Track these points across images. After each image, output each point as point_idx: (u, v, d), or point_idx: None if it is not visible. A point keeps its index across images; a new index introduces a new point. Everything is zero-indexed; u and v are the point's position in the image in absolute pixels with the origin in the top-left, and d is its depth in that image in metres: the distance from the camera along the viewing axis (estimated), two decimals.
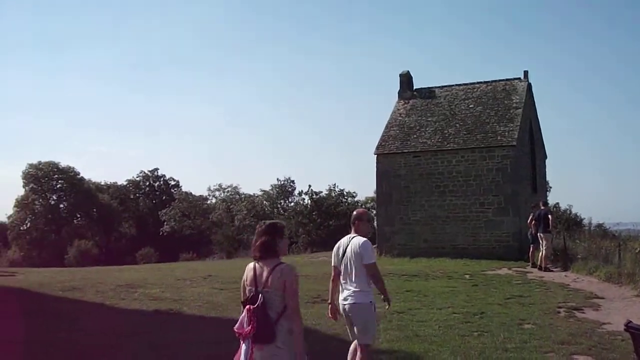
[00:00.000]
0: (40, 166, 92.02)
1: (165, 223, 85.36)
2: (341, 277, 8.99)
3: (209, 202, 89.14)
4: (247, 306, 6.23)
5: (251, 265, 6.51)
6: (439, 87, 39.65)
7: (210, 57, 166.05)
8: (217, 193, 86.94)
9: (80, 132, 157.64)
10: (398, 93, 39.54)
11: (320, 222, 68.70)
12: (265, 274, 6.30)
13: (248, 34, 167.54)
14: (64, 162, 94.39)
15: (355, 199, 73.95)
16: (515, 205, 32.61)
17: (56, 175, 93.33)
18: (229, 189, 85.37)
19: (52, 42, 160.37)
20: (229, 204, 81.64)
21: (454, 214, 33.72)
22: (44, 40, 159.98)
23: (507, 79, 37.69)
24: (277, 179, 79.62)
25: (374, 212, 40.42)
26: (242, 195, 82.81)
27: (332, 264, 9.26)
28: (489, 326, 13.90)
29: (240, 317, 6.28)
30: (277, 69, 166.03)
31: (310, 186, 73.43)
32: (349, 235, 9.15)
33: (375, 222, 35.37)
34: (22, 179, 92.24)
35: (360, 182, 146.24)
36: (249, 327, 6.12)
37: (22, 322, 14.43)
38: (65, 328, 13.96)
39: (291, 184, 78.86)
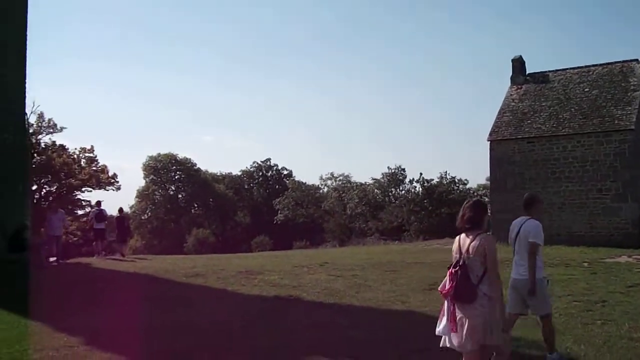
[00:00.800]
0: (160, 158, 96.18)
1: (279, 212, 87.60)
2: (515, 255, 10.12)
3: (321, 191, 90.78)
4: (450, 269, 7.56)
5: (458, 237, 7.75)
6: (552, 71, 39.17)
7: (321, 49, 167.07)
8: (329, 182, 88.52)
9: (194, 124, 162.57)
10: (511, 78, 39.36)
11: (431, 210, 68.87)
12: (468, 242, 7.52)
13: (349, 27, 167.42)
14: (181, 154, 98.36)
15: (467, 187, 73.73)
16: (634, 191, 32.02)
17: (174, 167, 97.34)
18: (341, 177, 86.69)
19: (165, 37, 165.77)
20: (341, 192, 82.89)
21: (570, 200, 33.43)
22: (160, 36, 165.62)
23: (623, 61, 36.77)
24: (388, 167, 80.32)
25: (486, 199, 40.47)
26: (354, 184, 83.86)
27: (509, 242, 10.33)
28: (611, 315, 13.72)
29: (445, 279, 7.68)
30: (383, 60, 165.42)
31: (421, 174, 73.81)
32: (521, 217, 10.30)
33: (490, 210, 35.46)
34: (143, 170, 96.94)
35: (472, 169, 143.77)
36: (449, 287, 7.50)
37: (150, 306, 15.86)
38: (192, 313, 15.13)
39: (402, 172, 79.37)
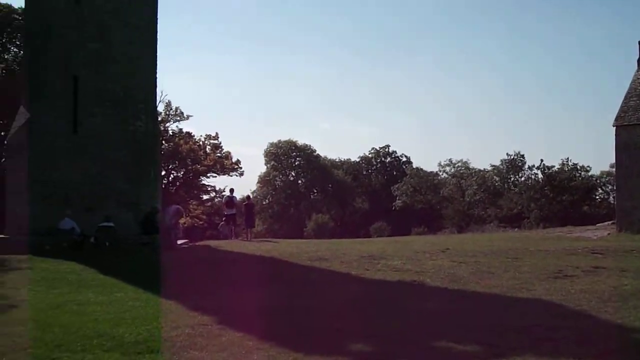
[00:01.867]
0: (280, 145, 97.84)
1: (397, 198, 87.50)
2: None
3: (439, 177, 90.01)
4: None
5: None
6: None
7: (432, 41, 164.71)
8: (447, 168, 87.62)
9: (314, 111, 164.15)
10: (638, 61, 37.65)
11: (552, 197, 66.99)
12: None
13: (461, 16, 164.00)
14: (301, 141, 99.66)
15: (590, 173, 71.21)
16: None
17: (294, 153, 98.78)
18: (459, 164, 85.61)
19: (286, 26, 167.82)
20: (459, 179, 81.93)
21: None
22: (281, 24, 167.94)
23: None
24: (507, 154, 78.70)
25: (610, 187, 38.98)
26: (472, 170, 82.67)
27: None
28: None
29: None
30: (497, 44, 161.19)
31: (542, 160, 71.86)
32: None
33: (614, 197, 34.20)
34: (264, 157, 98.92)
35: (595, 155, 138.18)
36: None
37: (277, 288, 16.29)
38: (318, 295, 15.41)
39: (521, 158, 77.60)
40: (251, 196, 45.26)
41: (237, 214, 35.09)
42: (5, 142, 29.21)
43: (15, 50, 49.60)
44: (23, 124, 25.62)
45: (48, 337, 11.11)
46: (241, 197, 35.36)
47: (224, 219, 36.01)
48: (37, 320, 12.45)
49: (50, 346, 10.58)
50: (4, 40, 49.59)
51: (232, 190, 35.03)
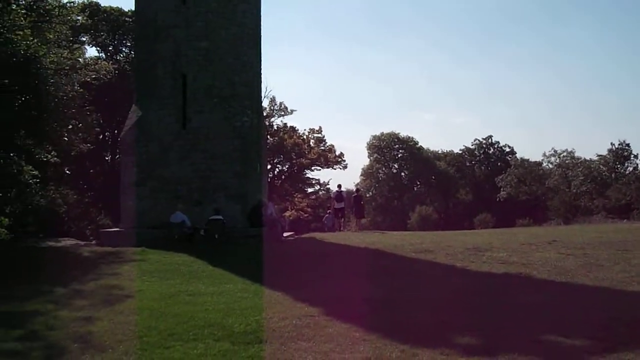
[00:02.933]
0: (383, 137, 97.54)
1: (502, 189, 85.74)
2: None
3: (544, 167, 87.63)
4: None
5: None
6: None
7: (531, 31, 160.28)
8: (552, 159, 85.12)
9: (415, 103, 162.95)
10: None
11: None
12: None
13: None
14: (403, 133, 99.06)
15: None
16: None
17: (397, 145, 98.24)
18: (564, 154, 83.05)
19: (383, 19, 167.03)
20: (565, 169, 79.52)
21: None
22: (378, 17, 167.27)
23: None
24: (611, 144, 76.11)
25: None
26: (578, 161, 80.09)
27: None
28: None
29: None
30: (603, 32, 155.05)
31: None
32: None
33: None
34: (367, 149, 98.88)
35: None
36: None
37: (383, 280, 16.22)
38: (423, 287, 15.32)
39: (626, 147, 74.94)
40: (345, 187, 46.03)
41: (346, 208, 36.05)
42: (119, 139, 30.26)
43: (126, 51, 51.38)
44: (135, 122, 26.49)
45: (161, 325, 11.45)
46: (345, 189, 36.27)
47: (328, 211, 37.07)
48: (151, 309, 12.86)
49: (164, 335, 10.91)
50: (115, 42, 51.45)
51: (340, 186, 36.17)
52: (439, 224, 78.62)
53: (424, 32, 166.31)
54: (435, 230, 48.62)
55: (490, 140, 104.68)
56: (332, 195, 37.89)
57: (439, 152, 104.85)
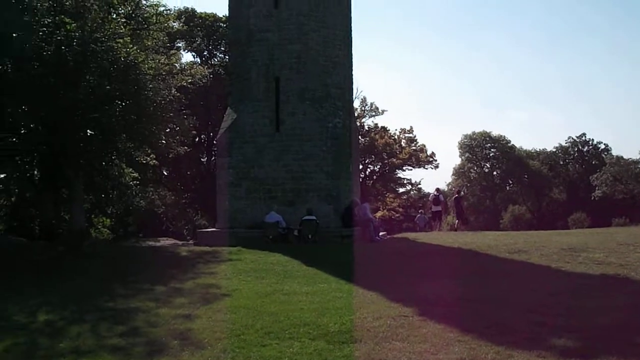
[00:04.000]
0: (474, 136, 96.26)
1: (597, 188, 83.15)
2: None
3: None
4: None
5: None
6: None
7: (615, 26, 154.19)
8: None
9: (507, 101, 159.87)
10: None
11: None
12: None
13: None
14: (495, 132, 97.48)
15: None
16: None
17: (488, 144, 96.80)
18: None
19: (477, 19, 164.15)
20: None
21: None
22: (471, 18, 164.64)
23: None
24: None
25: None
26: None
27: None
28: None
29: None
30: None
31: None
32: None
33: None
34: (458, 149, 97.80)
35: None
36: None
37: (477, 280, 15.92)
38: (517, 288, 14.93)
39: None
40: (442, 188, 46.14)
41: (443, 211, 36.58)
42: (215, 141, 30.82)
43: (220, 55, 52.35)
44: (230, 125, 26.94)
45: (258, 324, 11.58)
46: (435, 189, 36.41)
47: (420, 211, 38.76)
48: (248, 308, 13.03)
49: (261, 333, 11.03)
50: (210, 47, 52.50)
51: (438, 189, 36.93)
52: (532, 224, 77.01)
53: (509, 28, 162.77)
54: (529, 230, 47.55)
55: (584, 138, 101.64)
56: (429, 199, 38.60)
57: (532, 150, 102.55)
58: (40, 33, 23.74)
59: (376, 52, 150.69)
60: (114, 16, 26.94)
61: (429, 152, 68.19)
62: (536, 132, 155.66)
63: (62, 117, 23.94)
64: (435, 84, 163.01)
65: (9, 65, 25.18)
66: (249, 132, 26.36)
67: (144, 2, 28.46)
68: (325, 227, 24.85)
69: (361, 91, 78.91)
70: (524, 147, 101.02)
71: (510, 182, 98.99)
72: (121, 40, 24.23)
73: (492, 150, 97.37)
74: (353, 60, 28.73)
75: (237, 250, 21.73)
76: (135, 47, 24.84)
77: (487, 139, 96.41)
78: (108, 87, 24.46)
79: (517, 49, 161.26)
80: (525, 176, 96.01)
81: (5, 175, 32.15)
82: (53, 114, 23.86)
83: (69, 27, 23.43)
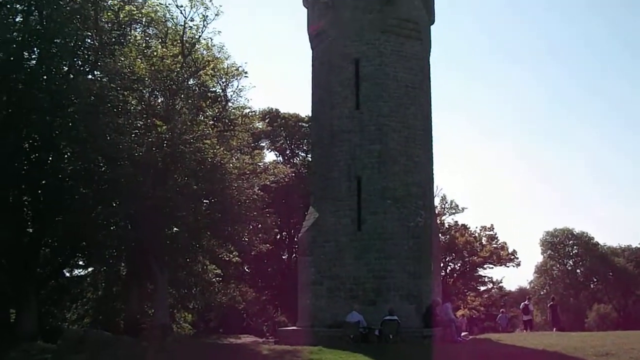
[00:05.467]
0: (556, 233, 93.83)
1: None
2: None
3: None
4: None
5: None
6: None
7: None
8: None
9: (589, 196, 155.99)
10: None
11: None
12: None
13: None
14: (577, 228, 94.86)
15: None
16: None
17: (571, 241, 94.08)
18: None
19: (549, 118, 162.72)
20: None
21: None
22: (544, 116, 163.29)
23: None
24: None
25: None
26: None
27: None
28: None
29: None
30: None
31: None
32: None
33: None
34: (540, 246, 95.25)
35: None
36: None
37: None
38: None
39: None
40: (555, 298, 45.57)
41: (532, 319, 37.87)
42: (297, 240, 30.83)
43: (302, 154, 53.17)
44: (312, 224, 26.90)
45: None
46: (517, 287, 37.20)
47: (501, 310, 39.20)
48: None
49: None
50: (292, 146, 53.43)
51: (529, 298, 38.89)
52: (619, 323, 73.60)
53: (588, 122, 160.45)
54: (615, 330, 45.28)
55: None
56: (519, 308, 39.76)
57: (616, 247, 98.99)
58: (133, 135, 24.60)
59: (456, 148, 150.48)
60: (202, 118, 27.74)
61: (510, 250, 66.64)
62: (620, 228, 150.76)
63: (150, 215, 24.43)
64: (515, 179, 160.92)
65: (102, 165, 26.10)
66: (331, 230, 26.23)
67: (230, 104, 29.28)
68: (407, 327, 24.14)
69: (441, 189, 78.17)
70: (608, 244, 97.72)
71: (595, 279, 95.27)
72: (208, 142, 24.88)
73: (575, 247, 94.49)
74: (434, 157, 28.60)
75: (317, 349, 21.31)
76: (221, 148, 25.42)
77: (570, 235, 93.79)
78: (195, 186, 24.95)
79: (598, 143, 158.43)
80: (610, 274, 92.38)
81: (93, 269, 32.90)
82: (141, 212, 24.39)
83: (159, 129, 24.20)
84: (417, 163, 27.09)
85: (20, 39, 26.87)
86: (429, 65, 29.01)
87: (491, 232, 67.23)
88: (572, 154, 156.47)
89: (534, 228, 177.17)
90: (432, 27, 29.68)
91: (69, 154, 27.37)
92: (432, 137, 28.58)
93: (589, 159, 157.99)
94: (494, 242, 66.65)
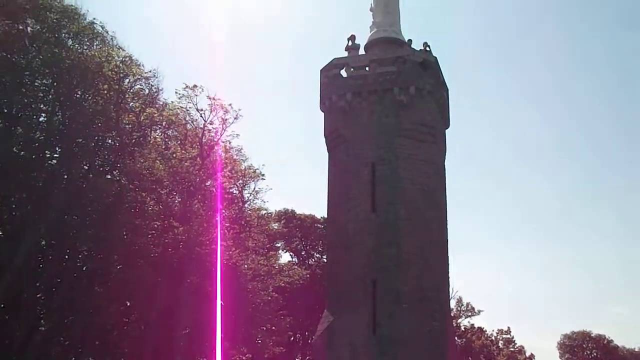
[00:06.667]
0: (574, 336, 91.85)
1: None
2: None
3: None
4: None
5: None
6: None
7: None
8: None
9: (604, 296, 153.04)
10: None
11: None
12: None
13: None
14: (595, 330, 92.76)
15: None
16: None
17: (589, 344, 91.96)
18: None
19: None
20: None
21: None
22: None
23: None
24: None
25: None
26: None
27: None
28: None
29: None
30: None
31: None
32: None
33: None
34: (558, 349, 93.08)
35: None
36: None
37: None
38: None
39: None
40: None
41: None
42: (311, 342, 30.19)
43: (317, 256, 52.86)
44: (327, 327, 26.32)
45: None
46: None
47: None
48: None
49: None
50: (308, 247, 53.20)
51: None
52: None
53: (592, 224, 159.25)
54: None
55: None
56: None
57: (636, 349, 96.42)
58: (149, 236, 24.56)
59: (471, 248, 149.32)
60: (217, 219, 27.76)
61: (527, 354, 65.30)
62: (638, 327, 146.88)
63: (161, 317, 24.13)
64: (530, 279, 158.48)
65: (117, 265, 25.99)
66: (346, 334, 25.54)
67: (246, 206, 29.35)
68: None
69: (457, 291, 77.37)
70: (627, 346, 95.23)
71: None
72: (224, 243, 24.76)
73: (593, 350, 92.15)
74: (449, 259, 28.24)
75: None
76: (237, 251, 25.30)
77: (588, 338, 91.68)
78: (210, 287, 24.72)
79: (610, 243, 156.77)
80: None
81: None
82: (153, 313, 24.10)
83: (176, 231, 24.18)
84: (432, 266, 26.64)
85: (42, 138, 27.29)
86: (445, 168, 29.05)
87: (508, 336, 66.12)
88: (586, 256, 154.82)
89: (551, 330, 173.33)
90: (448, 131, 29.96)
91: (85, 253, 27.29)
92: (447, 239, 28.29)
93: (603, 259, 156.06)
94: (510, 346, 65.37)
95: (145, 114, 28.67)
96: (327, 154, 29.27)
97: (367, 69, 27.84)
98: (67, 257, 27.20)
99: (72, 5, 29.04)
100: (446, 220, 28.35)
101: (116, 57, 28.67)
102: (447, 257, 28.14)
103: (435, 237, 27.13)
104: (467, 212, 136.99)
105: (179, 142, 29.41)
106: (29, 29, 27.91)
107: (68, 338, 28.52)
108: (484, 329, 64.60)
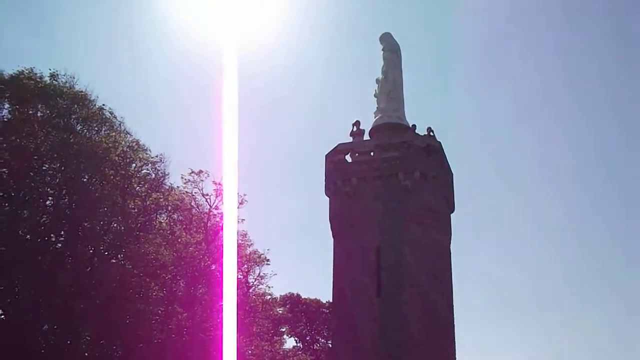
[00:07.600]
0: None
1: None
2: None
3: None
4: None
5: None
6: None
7: None
8: None
9: None
10: None
11: None
12: None
13: None
14: None
15: None
16: None
17: None
18: None
19: None
20: None
21: None
22: None
23: None
24: None
25: None
26: None
27: None
28: None
29: None
30: None
31: None
32: None
33: None
34: None
35: None
36: None
37: None
38: None
39: None
40: None
41: None
42: None
43: (323, 341, 52.05)
44: None
45: None
46: None
47: None
48: None
49: None
50: (313, 332, 52.45)
51: None
52: None
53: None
54: None
55: None
56: None
57: None
58: (153, 321, 24.27)
59: (477, 330, 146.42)
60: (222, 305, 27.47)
61: None
62: None
63: None
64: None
65: (119, 351, 25.60)
66: None
67: (251, 291, 29.09)
68: None
69: None
70: None
71: None
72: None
73: None
74: (456, 343, 27.77)
75: None
76: (241, 336, 24.94)
77: None
78: None
79: (614, 324, 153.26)
80: None
81: None
82: None
83: (180, 317, 23.92)
84: (439, 351, 26.19)
85: (48, 222, 27.31)
86: (450, 251, 28.87)
87: None
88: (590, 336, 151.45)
89: None
90: (453, 215, 29.89)
91: (87, 338, 26.91)
92: (454, 323, 27.86)
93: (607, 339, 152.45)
94: None
95: (151, 198, 28.80)
96: (332, 238, 29.19)
97: (372, 154, 28.02)
98: (69, 342, 26.82)
99: (82, 91, 29.61)
100: (452, 303, 27.99)
101: (123, 143, 28.99)
102: (454, 339, 27.65)
103: (441, 321, 26.73)
104: (473, 289, 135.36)
105: (184, 226, 29.42)
106: (39, 113, 28.34)
107: None
108: None
